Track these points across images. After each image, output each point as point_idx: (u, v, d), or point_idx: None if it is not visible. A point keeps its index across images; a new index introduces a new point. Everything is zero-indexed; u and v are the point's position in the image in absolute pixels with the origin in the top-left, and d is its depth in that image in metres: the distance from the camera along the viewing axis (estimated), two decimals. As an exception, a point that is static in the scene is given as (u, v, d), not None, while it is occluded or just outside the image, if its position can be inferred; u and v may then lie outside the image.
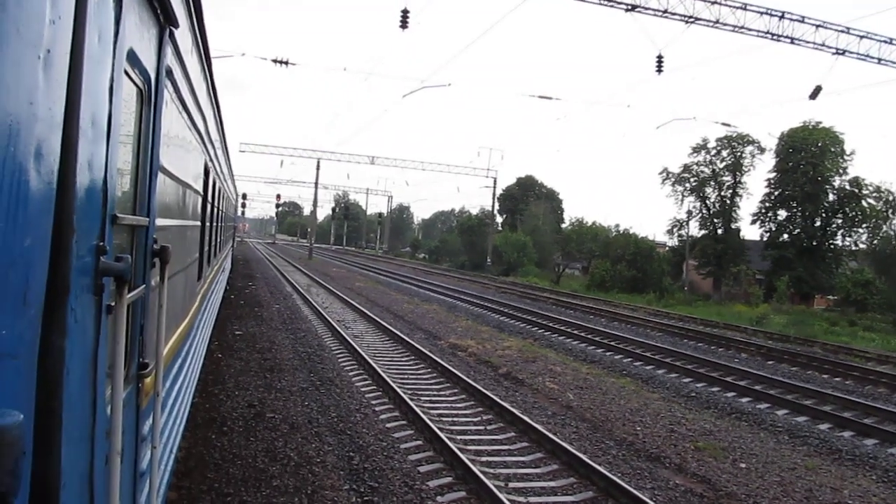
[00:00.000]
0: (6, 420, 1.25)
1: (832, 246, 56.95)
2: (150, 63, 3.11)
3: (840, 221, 56.45)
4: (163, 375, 3.62)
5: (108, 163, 2.24)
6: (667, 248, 69.93)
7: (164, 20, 3.39)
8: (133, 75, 2.79)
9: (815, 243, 56.05)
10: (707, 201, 64.42)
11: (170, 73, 3.77)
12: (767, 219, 59.81)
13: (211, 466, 9.15)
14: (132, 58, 2.65)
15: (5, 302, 1.44)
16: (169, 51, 3.58)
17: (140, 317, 3.22)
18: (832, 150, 54.77)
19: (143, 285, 3.15)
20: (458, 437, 11.36)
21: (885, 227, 54.87)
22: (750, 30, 29.10)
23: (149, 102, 3.22)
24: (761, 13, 28.94)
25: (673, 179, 65.49)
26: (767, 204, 59.44)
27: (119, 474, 2.42)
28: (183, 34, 4.13)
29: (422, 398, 13.88)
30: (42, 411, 1.66)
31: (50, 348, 1.69)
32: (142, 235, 3.18)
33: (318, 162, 77.51)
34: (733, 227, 63.84)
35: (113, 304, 2.36)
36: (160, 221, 3.68)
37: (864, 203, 54.87)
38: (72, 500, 1.91)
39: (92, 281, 2.11)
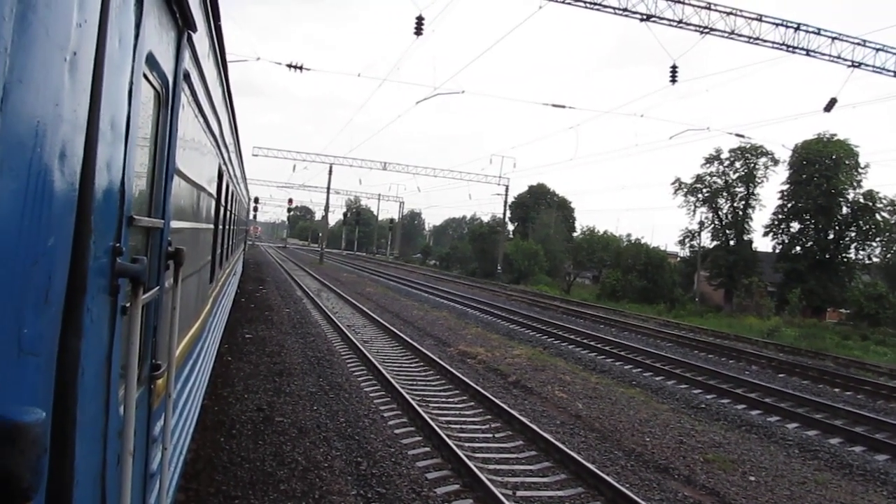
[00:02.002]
0: (30, 417, 1.26)
1: (845, 259, 56.57)
2: (168, 66, 3.14)
3: (853, 234, 56.10)
4: (174, 377, 3.63)
5: (125, 165, 2.25)
6: (678, 259, 69.66)
7: (183, 24, 3.41)
8: (151, 78, 2.82)
9: (827, 256, 55.70)
10: (719, 212, 64.15)
11: (187, 76, 3.79)
12: (780, 231, 59.49)
13: (219, 469, 9.17)
14: (151, 61, 2.67)
15: (28, 300, 1.45)
16: (187, 54, 3.60)
17: (153, 318, 3.24)
18: (846, 162, 54.46)
19: (157, 287, 3.17)
20: (466, 445, 11.34)
21: (898, 241, 54.58)
22: (765, 41, 29.02)
23: (166, 105, 3.24)
24: (777, 25, 28.87)
25: (685, 190, 65.27)
26: (780, 216, 59.13)
27: (130, 474, 2.43)
28: (200, 38, 4.16)
29: (430, 405, 13.87)
30: (57, 410, 1.67)
31: (66, 347, 1.71)
32: (157, 237, 3.20)
33: (331, 167, 77.72)
34: (746, 238, 63.51)
35: (128, 305, 2.38)
36: (175, 224, 3.70)
37: (877, 216, 54.56)
38: (84, 499, 1.92)
39: (108, 282, 2.12)
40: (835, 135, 55.46)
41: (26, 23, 1.36)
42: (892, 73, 29.43)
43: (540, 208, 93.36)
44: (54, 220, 1.58)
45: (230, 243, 13.98)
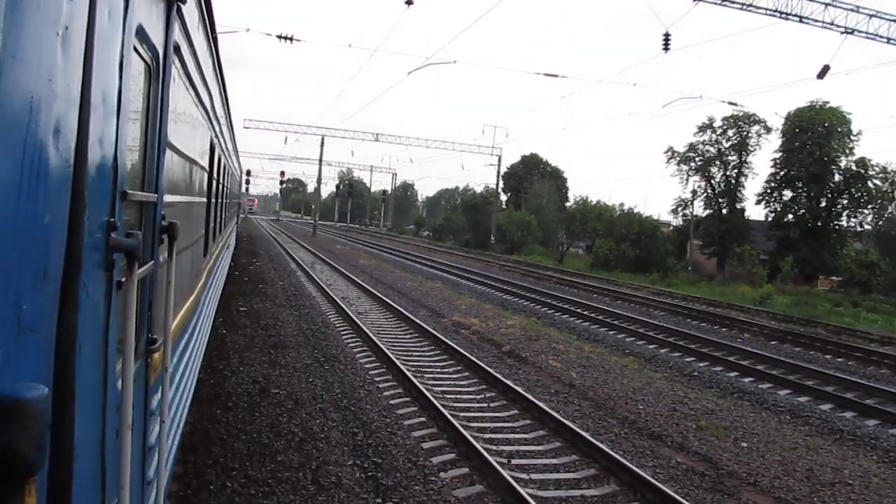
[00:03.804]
0: (32, 393, 1.27)
1: (837, 227, 56.87)
2: (158, 39, 3.11)
3: (845, 202, 56.36)
4: (171, 351, 3.64)
5: (118, 139, 2.24)
6: (671, 228, 69.91)
7: None
8: (142, 51, 2.79)
9: (819, 224, 55.95)
10: (712, 181, 64.28)
11: (177, 49, 3.76)
12: (772, 199, 59.71)
13: (216, 441, 9.23)
14: (141, 34, 2.64)
15: (27, 277, 1.46)
16: (176, 27, 3.57)
17: (149, 293, 3.24)
18: (839, 130, 54.53)
19: (152, 261, 3.17)
20: (462, 414, 11.43)
21: (890, 209, 54.80)
22: (758, 8, 28.84)
23: (157, 79, 3.21)
24: (770, -9, 28.66)
25: (678, 159, 65.33)
26: (773, 184, 59.29)
27: (129, 448, 2.45)
28: (190, 10, 4.11)
29: (425, 375, 13.95)
30: (57, 385, 1.68)
31: (63, 323, 1.71)
32: (150, 211, 3.19)
33: (323, 139, 77.42)
34: (738, 206, 63.77)
35: (123, 280, 2.38)
36: (168, 198, 3.69)
37: (869, 184, 54.78)
38: (84, 473, 1.93)
39: (103, 257, 2.12)
40: (827, 102, 55.49)
41: None
42: (885, 40, 29.31)
43: (533, 178, 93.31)
44: (50, 197, 1.58)
45: (223, 216, 13.94)
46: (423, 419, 11.14)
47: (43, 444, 1.29)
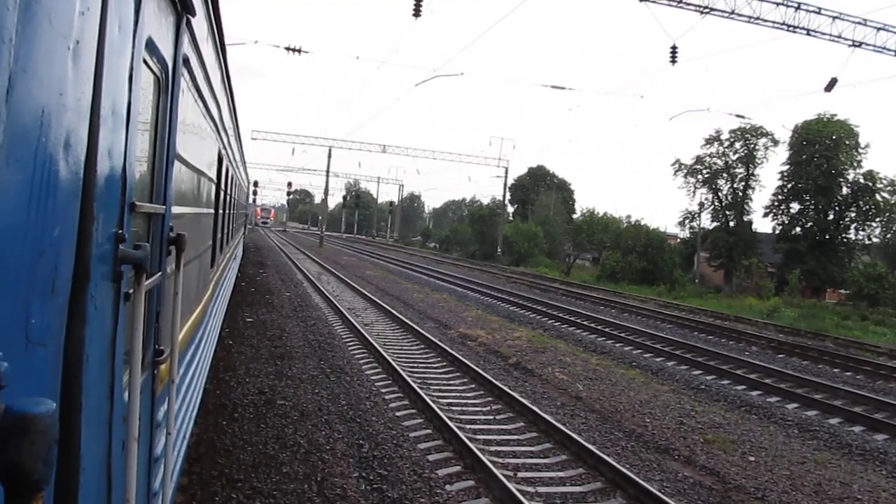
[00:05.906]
0: (40, 409, 1.27)
1: (845, 239, 56.61)
2: (167, 52, 3.12)
3: (853, 215, 56.12)
4: (177, 362, 3.64)
5: (126, 151, 2.26)
6: (678, 240, 69.65)
7: (182, 8, 3.39)
8: (151, 64, 2.81)
9: (827, 237, 55.72)
10: (719, 193, 64.09)
11: (186, 61, 3.78)
12: (780, 211, 59.48)
13: (222, 452, 9.22)
14: (150, 46, 2.66)
15: (35, 291, 1.46)
16: (186, 39, 3.59)
17: (156, 304, 3.24)
18: (846, 142, 54.37)
19: (160, 273, 3.17)
20: (468, 427, 11.39)
21: (899, 221, 54.55)
22: (765, 21, 28.87)
23: (166, 91, 3.23)
24: (777, 4, 28.69)
25: (685, 171, 65.18)
26: (780, 196, 59.10)
27: (135, 459, 2.45)
28: (199, 22, 4.14)
29: (431, 387, 13.92)
30: (63, 397, 1.68)
31: (71, 335, 1.71)
32: (158, 223, 3.20)
33: (330, 150, 77.58)
34: (745, 219, 63.50)
35: (131, 291, 2.38)
36: (176, 209, 3.70)
37: (877, 197, 54.57)
38: (90, 485, 1.93)
39: (111, 269, 2.13)
40: (835, 115, 55.34)
41: (30, 12, 1.36)
42: (892, 53, 29.30)
43: (539, 190, 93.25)
44: (59, 210, 1.59)
45: (231, 227, 13.97)
46: (428, 431, 11.11)
47: (50, 460, 1.29)
